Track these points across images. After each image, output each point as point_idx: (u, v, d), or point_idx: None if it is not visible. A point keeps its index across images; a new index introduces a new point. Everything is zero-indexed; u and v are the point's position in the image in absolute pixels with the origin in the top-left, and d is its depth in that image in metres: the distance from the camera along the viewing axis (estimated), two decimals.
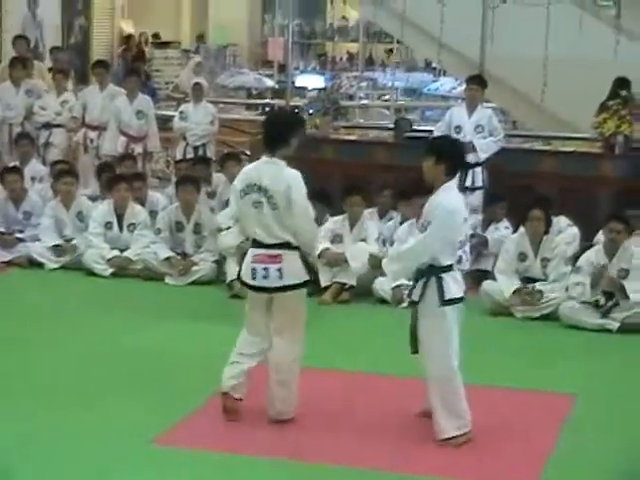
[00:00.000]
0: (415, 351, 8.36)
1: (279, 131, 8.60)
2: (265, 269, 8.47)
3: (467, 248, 9.10)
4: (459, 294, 8.26)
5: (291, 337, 8.59)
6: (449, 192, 8.32)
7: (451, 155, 8.43)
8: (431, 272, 8.20)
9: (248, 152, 15.74)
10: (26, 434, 8.30)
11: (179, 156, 15.85)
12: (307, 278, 8.56)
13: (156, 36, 30.10)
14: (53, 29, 20.85)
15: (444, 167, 8.25)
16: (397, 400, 8.99)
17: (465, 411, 8.33)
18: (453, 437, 8.28)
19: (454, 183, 8.43)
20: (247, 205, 8.47)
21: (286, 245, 8.44)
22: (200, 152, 15.74)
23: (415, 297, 8.28)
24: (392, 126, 16.06)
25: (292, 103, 17.48)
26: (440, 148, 8.50)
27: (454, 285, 8.21)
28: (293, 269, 8.44)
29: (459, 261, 8.62)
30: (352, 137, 16.14)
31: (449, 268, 8.24)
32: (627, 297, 11.43)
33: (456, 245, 8.48)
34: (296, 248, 8.48)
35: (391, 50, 24.81)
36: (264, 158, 8.57)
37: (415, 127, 15.84)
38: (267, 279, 8.48)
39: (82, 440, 8.27)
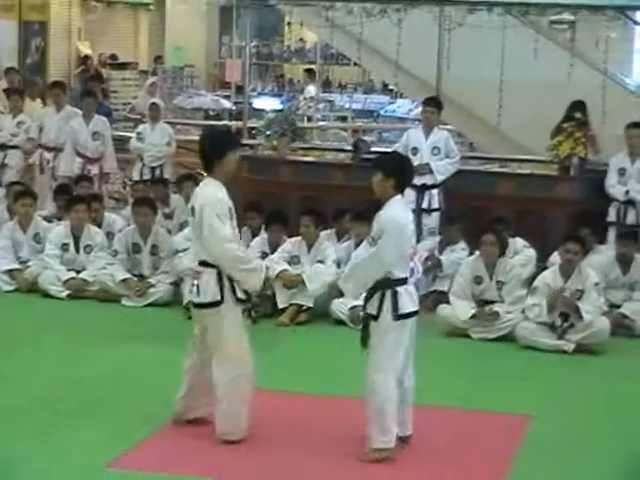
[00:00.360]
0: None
1: (211, 149, 8.71)
2: (192, 284, 8.72)
3: (417, 260, 9.05)
4: (413, 308, 8.34)
5: (220, 355, 8.61)
6: (397, 206, 8.44)
7: (399, 171, 8.52)
8: (387, 285, 8.29)
9: (204, 173, 15.61)
10: None
11: (136, 177, 15.84)
12: (218, 298, 8.56)
13: (113, 57, 30.11)
14: (9, 50, 20.77)
15: (392, 182, 8.36)
16: (350, 422, 8.91)
17: (392, 429, 8.36)
18: (379, 449, 8.33)
19: (401, 197, 8.50)
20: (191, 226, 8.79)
21: (203, 263, 8.59)
22: (157, 173, 15.70)
23: (372, 310, 8.35)
24: (350, 148, 16.04)
25: (249, 125, 17.46)
26: (388, 164, 8.62)
27: (408, 299, 8.31)
28: (207, 287, 8.56)
29: (411, 274, 8.61)
30: (310, 158, 16.08)
31: (403, 281, 8.34)
32: (582, 318, 11.47)
33: (407, 258, 8.53)
34: (214, 267, 8.55)
35: (309, 70, 24.96)
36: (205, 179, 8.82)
37: (372, 149, 15.82)
38: (192, 294, 8.76)
39: (37, 469, 8.22)
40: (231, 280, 8.57)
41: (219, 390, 8.59)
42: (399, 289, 8.30)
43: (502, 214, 13.26)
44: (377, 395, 8.29)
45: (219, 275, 8.53)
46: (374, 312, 8.32)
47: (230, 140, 9.08)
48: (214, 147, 8.72)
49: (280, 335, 10.08)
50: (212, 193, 8.63)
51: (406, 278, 8.37)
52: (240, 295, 8.63)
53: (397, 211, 8.43)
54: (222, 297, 8.56)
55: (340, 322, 12.12)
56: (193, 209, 8.62)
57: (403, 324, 8.30)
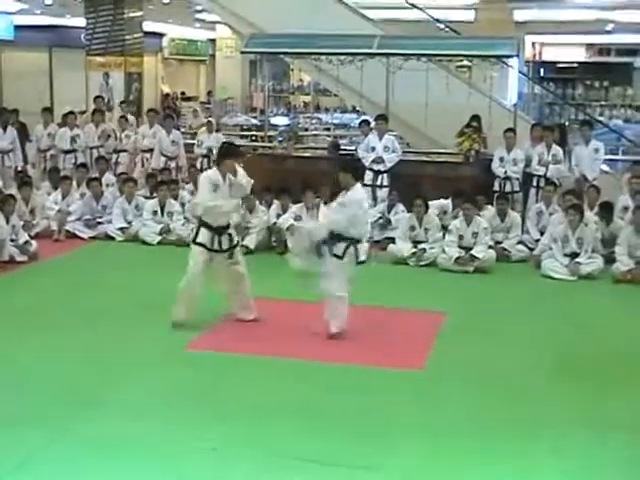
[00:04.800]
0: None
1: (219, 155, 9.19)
2: None
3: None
4: (363, 258, 8.86)
5: None
6: (359, 191, 8.84)
7: (353, 168, 9.03)
8: (352, 241, 8.61)
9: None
10: (91, 346, 8.32)
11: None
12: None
13: (183, 93, 30.07)
14: (119, 91, 20.72)
15: (350, 176, 8.72)
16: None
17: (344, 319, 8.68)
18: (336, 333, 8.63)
19: (360, 185, 8.95)
20: None
21: None
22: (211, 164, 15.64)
23: (338, 252, 8.59)
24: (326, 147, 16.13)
25: (268, 134, 17.47)
26: (347, 165, 9.21)
27: (361, 252, 8.75)
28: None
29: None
30: (306, 154, 16.15)
31: (360, 240, 8.73)
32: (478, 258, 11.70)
33: (366, 224, 9.04)
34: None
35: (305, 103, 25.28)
36: None
37: (343, 147, 15.91)
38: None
39: (130, 352, 8.32)
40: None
41: None
42: (358, 245, 8.65)
43: (427, 187, 13.30)
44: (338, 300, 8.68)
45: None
46: (339, 253, 8.58)
47: (227, 152, 9.18)
48: (220, 154, 9.13)
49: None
50: (203, 174, 9.37)
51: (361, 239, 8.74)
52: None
53: (359, 194, 8.79)
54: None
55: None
56: None
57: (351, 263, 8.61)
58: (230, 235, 9.04)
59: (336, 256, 8.61)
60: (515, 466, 6.04)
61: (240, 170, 9.05)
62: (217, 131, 16.97)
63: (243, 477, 5.82)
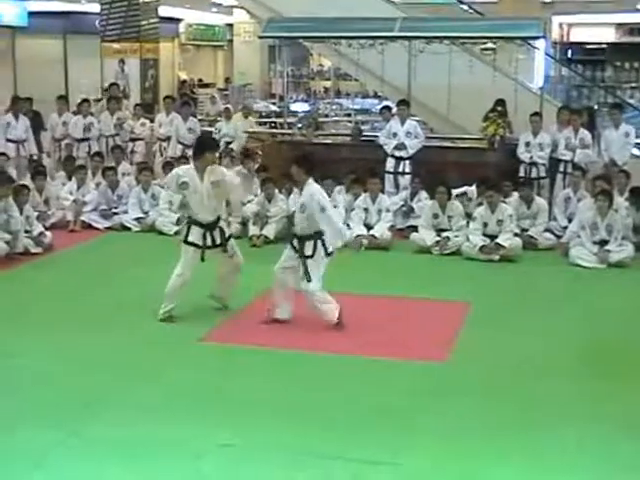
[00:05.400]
0: (309, 280, 8.53)
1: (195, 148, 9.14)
2: None
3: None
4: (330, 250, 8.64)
5: None
6: (313, 185, 8.66)
7: (306, 162, 8.72)
8: (319, 236, 8.54)
9: (260, 152, 15.59)
10: (104, 342, 8.28)
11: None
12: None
13: (200, 80, 30.00)
14: (135, 78, 20.69)
15: (303, 170, 8.60)
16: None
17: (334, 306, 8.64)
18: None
19: (312, 180, 8.70)
20: None
21: None
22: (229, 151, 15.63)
23: (309, 252, 8.56)
24: (350, 133, 15.99)
25: (288, 120, 17.41)
26: (302, 158, 8.85)
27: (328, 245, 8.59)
28: None
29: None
30: (327, 141, 16.03)
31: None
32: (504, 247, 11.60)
33: (338, 214, 9.46)
34: None
35: (326, 88, 25.10)
36: None
37: (365, 133, 15.76)
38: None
39: (147, 342, 8.31)
40: None
41: None
42: (324, 238, 8.56)
43: (450, 174, 13.22)
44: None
45: None
46: (309, 253, 8.58)
47: (208, 143, 9.20)
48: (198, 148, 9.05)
49: None
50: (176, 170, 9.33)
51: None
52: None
53: (315, 189, 8.64)
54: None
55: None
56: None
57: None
58: (221, 229, 8.95)
59: (306, 257, 8.56)
60: (533, 464, 5.94)
61: (223, 169, 9.07)
62: (247, 117, 17.04)
63: (260, 473, 5.77)
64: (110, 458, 5.89)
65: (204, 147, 8.97)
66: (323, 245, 8.56)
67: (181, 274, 8.84)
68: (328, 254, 8.59)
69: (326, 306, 8.62)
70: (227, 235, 9.00)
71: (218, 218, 8.95)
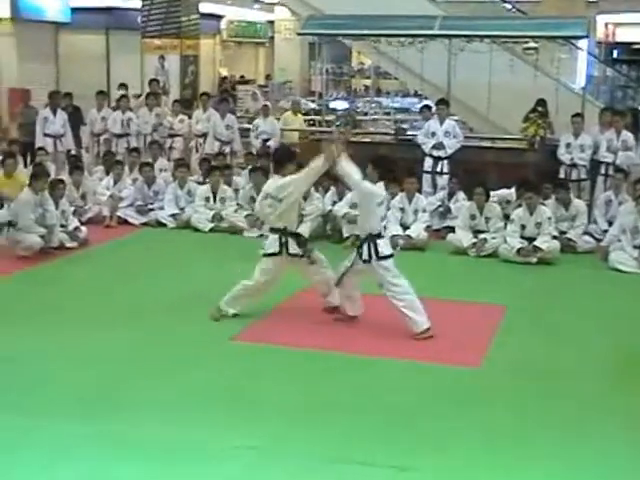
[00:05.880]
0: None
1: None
2: None
3: None
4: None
5: None
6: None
7: (381, 166, 8.92)
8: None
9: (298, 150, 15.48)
10: (136, 338, 8.24)
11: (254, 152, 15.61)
12: None
13: (242, 77, 29.99)
14: (175, 74, 20.72)
15: (377, 172, 8.76)
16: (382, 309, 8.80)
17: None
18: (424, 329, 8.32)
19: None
20: None
21: None
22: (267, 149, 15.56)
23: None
24: (393, 132, 15.85)
25: (326, 118, 17.34)
26: (376, 160, 8.95)
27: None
28: None
29: None
30: (365, 139, 15.91)
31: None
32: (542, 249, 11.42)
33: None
34: None
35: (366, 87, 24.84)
36: None
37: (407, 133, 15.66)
38: None
39: (179, 339, 8.25)
40: None
41: None
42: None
43: (489, 175, 13.07)
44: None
45: None
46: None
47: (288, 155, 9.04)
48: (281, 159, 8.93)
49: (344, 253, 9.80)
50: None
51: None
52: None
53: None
54: None
55: None
56: None
57: None
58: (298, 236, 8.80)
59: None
60: (559, 470, 5.83)
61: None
62: (297, 114, 17.34)
63: (285, 477, 5.70)
64: (132, 460, 5.81)
65: (285, 158, 8.89)
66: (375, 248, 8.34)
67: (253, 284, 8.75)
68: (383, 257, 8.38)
69: (412, 314, 8.38)
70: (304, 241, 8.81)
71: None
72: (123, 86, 17.89)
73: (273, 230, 8.71)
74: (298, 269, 8.87)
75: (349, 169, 8.45)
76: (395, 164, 9.13)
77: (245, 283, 8.72)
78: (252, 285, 8.70)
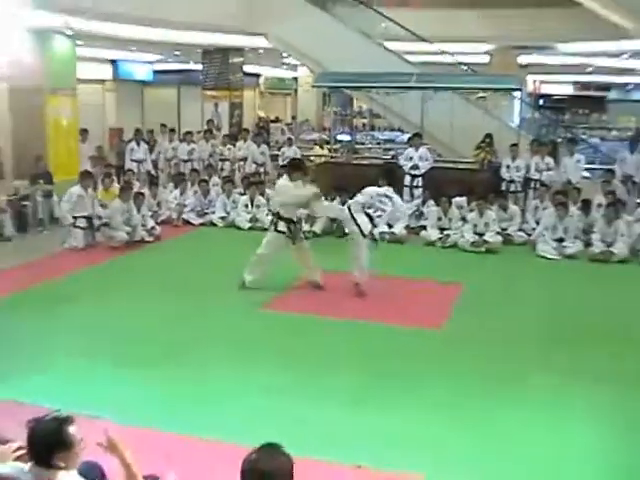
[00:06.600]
0: None
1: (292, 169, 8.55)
2: None
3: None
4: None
5: None
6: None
7: (388, 177, 8.76)
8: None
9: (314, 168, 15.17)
10: (190, 305, 8.02)
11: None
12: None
13: (277, 117, 29.66)
14: (225, 116, 20.46)
15: (386, 182, 8.61)
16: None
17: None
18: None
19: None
20: None
21: None
22: None
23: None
24: (390, 157, 15.39)
25: (334, 147, 17.04)
26: (384, 173, 8.80)
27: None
28: None
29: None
30: (363, 162, 15.58)
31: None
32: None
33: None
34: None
35: (364, 124, 24.43)
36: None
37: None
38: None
39: (223, 306, 7.96)
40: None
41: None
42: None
43: (451, 188, 12.65)
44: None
45: None
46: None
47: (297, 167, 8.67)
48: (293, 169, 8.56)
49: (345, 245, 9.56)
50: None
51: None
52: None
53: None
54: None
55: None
56: None
57: None
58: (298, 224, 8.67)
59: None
60: (508, 402, 5.60)
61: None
62: (322, 147, 16.71)
63: (298, 410, 5.43)
64: (185, 394, 5.61)
65: (296, 167, 8.63)
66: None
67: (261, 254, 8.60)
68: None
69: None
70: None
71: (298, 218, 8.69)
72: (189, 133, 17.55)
73: (282, 219, 8.50)
74: (292, 249, 8.66)
75: (325, 210, 9.08)
76: (395, 174, 8.90)
77: (257, 253, 8.58)
78: (260, 253, 8.56)
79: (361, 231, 8.42)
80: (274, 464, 2.79)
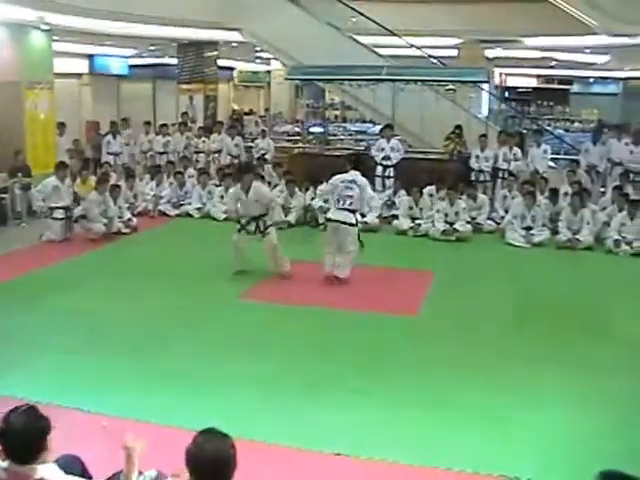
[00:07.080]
0: None
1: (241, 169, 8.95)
2: None
3: None
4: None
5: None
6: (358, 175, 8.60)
7: (354, 161, 8.73)
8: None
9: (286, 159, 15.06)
10: (169, 296, 7.87)
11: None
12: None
13: (251, 110, 29.38)
14: (199, 108, 20.21)
15: (351, 165, 8.64)
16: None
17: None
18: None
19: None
20: None
21: None
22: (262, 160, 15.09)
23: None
24: (363, 148, 15.20)
25: (307, 138, 16.90)
26: (350, 158, 8.95)
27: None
28: None
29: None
30: (334, 153, 15.38)
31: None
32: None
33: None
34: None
35: (336, 116, 24.53)
36: None
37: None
38: None
39: (200, 297, 7.86)
40: None
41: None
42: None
43: (421, 177, 12.62)
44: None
45: None
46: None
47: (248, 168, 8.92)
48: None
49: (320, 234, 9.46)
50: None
51: None
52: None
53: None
54: None
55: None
56: None
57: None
58: (261, 221, 8.63)
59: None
60: (489, 384, 5.61)
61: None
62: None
63: (276, 399, 5.36)
64: (165, 383, 5.51)
65: (244, 171, 8.82)
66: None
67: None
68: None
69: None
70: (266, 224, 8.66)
71: (260, 215, 8.61)
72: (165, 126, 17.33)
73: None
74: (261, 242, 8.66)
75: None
76: (363, 161, 8.89)
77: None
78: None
79: (347, 223, 8.35)
80: (216, 448, 2.79)
